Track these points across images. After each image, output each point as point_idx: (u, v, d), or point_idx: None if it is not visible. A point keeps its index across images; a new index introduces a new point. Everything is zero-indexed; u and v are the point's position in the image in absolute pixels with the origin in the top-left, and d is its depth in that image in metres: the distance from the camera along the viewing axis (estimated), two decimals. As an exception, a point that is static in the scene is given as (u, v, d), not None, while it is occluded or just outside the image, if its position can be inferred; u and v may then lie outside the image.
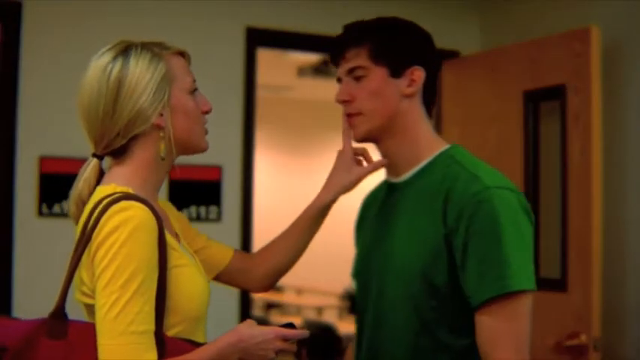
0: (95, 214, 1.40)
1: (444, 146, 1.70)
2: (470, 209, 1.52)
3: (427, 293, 1.57)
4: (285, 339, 1.48)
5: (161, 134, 1.51)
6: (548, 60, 3.24)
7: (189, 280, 1.48)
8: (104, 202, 1.40)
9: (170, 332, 1.44)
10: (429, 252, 1.57)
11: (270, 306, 8.17)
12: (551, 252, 3.23)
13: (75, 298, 1.47)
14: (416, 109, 1.67)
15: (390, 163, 1.71)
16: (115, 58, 1.49)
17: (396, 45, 1.66)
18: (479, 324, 1.52)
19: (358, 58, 1.65)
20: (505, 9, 3.81)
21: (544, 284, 3.22)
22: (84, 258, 1.42)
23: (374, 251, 1.71)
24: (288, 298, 8.52)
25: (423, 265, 1.57)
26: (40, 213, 3.14)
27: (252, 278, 1.81)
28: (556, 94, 3.20)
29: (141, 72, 1.48)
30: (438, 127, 3.87)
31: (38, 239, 3.15)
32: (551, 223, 3.22)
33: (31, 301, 3.08)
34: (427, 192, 1.62)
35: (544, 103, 3.35)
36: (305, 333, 1.51)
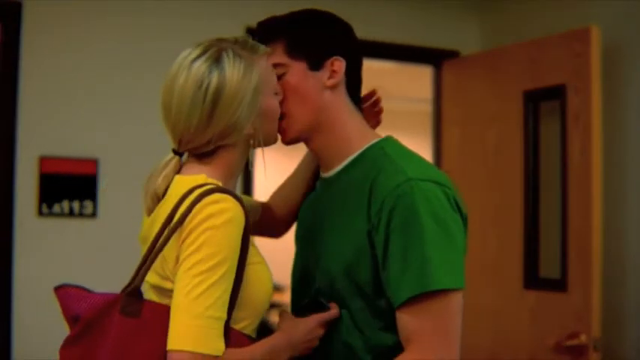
0: (188, 202, 1.40)
1: (375, 139, 1.63)
2: (390, 203, 1.45)
3: (353, 292, 1.53)
4: (324, 323, 1.53)
5: (251, 142, 1.52)
6: (548, 60, 3.24)
7: (263, 277, 1.51)
8: (198, 192, 1.41)
9: (237, 325, 1.46)
10: (353, 249, 1.52)
11: (270, 306, 8.15)
12: (551, 252, 3.24)
13: (146, 279, 1.47)
14: (341, 102, 1.62)
15: (321, 160, 1.67)
16: (210, 69, 1.46)
17: (312, 37, 1.60)
18: (400, 323, 1.47)
19: (274, 56, 1.58)
20: (505, 9, 3.81)
21: (544, 284, 3.25)
22: (173, 243, 1.41)
23: (307, 250, 1.69)
24: (288, 298, 8.49)
25: (348, 263, 1.52)
26: (40, 213, 3.14)
27: (274, 227, 1.85)
28: (556, 94, 3.20)
29: (237, 84, 1.46)
30: (438, 127, 3.87)
31: (38, 239, 3.15)
32: (551, 223, 3.23)
33: (32, 301, 3.08)
34: (354, 186, 1.56)
35: (544, 103, 3.34)
36: (337, 312, 1.54)
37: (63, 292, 1.47)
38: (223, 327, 1.38)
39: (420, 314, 1.44)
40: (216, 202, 1.39)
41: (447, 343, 1.46)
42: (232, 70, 1.46)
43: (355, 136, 1.62)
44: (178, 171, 1.51)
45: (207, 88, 1.45)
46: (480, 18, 3.93)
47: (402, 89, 8.10)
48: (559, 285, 3.11)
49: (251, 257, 1.47)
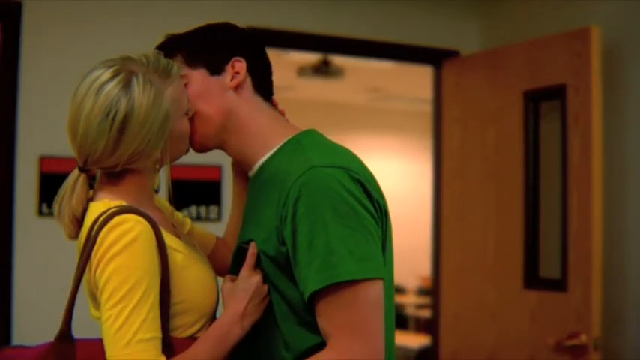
0: (93, 233, 1.40)
1: (294, 132, 1.59)
2: (294, 194, 1.40)
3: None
4: (251, 267, 1.47)
5: (157, 166, 1.51)
6: (548, 60, 3.24)
7: (200, 277, 1.50)
8: (100, 220, 1.40)
9: (192, 329, 1.47)
10: (263, 242, 1.48)
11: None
12: (551, 252, 3.24)
13: (90, 315, 1.48)
14: (248, 101, 1.60)
15: (242, 161, 1.64)
16: (118, 96, 1.42)
17: (208, 43, 1.61)
18: (317, 319, 1.41)
19: None
20: (505, 9, 3.81)
21: (544, 284, 3.25)
22: (88, 276, 1.43)
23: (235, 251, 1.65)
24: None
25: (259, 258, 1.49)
26: (40, 213, 3.14)
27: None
28: (556, 94, 3.20)
29: (146, 112, 1.43)
30: (438, 127, 3.87)
31: (38, 239, 3.15)
32: (551, 223, 3.23)
33: (31, 302, 3.08)
34: (269, 182, 1.52)
35: (544, 102, 3.35)
36: (254, 248, 1.47)
37: (3, 355, 1.47)
38: (160, 344, 1.37)
39: (330, 309, 1.39)
40: (116, 226, 1.38)
41: (363, 337, 1.39)
42: (142, 97, 1.43)
43: (270, 132, 1.59)
44: (92, 197, 1.50)
45: (114, 117, 1.41)
46: (480, 18, 3.93)
47: (402, 89, 8.11)
48: (559, 285, 3.11)
49: (180, 262, 1.46)
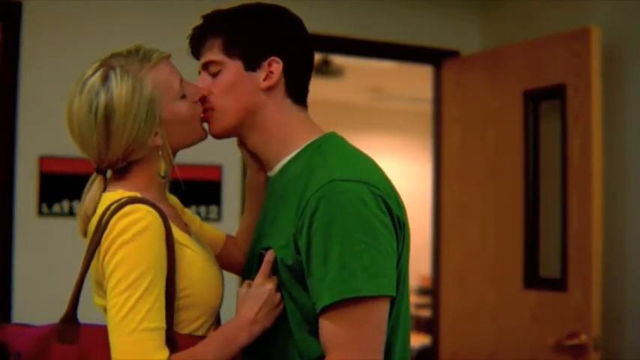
0: (105, 220, 1.42)
1: (317, 135, 1.56)
2: (312, 206, 1.39)
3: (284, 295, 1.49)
4: (267, 275, 1.47)
5: (160, 152, 1.51)
6: (548, 60, 3.24)
7: (205, 274, 1.51)
8: (112, 208, 1.42)
9: (193, 325, 1.47)
10: (281, 249, 1.47)
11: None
12: (551, 252, 3.24)
13: (94, 303, 1.49)
14: (278, 102, 1.55)
15: (261, 158, 1.61)
16: (97, 91, 1.46)
17: (250, 35, 1.54)
18: (320, 330, 1.41)
19: (211, 53, 1.55)
20: (505, 9, 3.81)
21: (544, 284, 3.25)
22: (96, 263, 1.44)
23: (251, 252, 1.63)
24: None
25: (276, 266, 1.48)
26: (40, 213, 3.14)
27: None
28: (556, 93, 3.20)
29: (127, 102, 1.45)
30: (438, 127, 3.87)
31: (38, 239, 3.15)
32: (551, 223, 3.23)
33: (32, 301, 3.09)
34: (290, 186, 1.50)
35: (544, 102, 3.35)
36: (272, 255, 1.48)
37: (4, 332, 1.48)
38: (164, 335, 1.38)
39: (337, 322, 1.38)
40: (127, 214, 1.40)
41: (364, 353, 1.39)
42: (120, 87, 1.45)
43: (295, 135, 1.56)
44: (104, 189, 1.52)
45: (96, 110, 1.45)
46: (480, 18, 3.93)
47: (402, 89, 8.11)
48: (559, 285, 3.11)
49: (187, 258, 1.47)
